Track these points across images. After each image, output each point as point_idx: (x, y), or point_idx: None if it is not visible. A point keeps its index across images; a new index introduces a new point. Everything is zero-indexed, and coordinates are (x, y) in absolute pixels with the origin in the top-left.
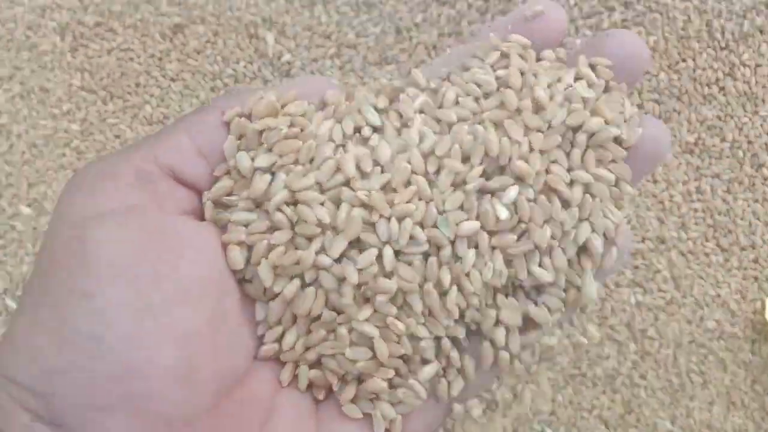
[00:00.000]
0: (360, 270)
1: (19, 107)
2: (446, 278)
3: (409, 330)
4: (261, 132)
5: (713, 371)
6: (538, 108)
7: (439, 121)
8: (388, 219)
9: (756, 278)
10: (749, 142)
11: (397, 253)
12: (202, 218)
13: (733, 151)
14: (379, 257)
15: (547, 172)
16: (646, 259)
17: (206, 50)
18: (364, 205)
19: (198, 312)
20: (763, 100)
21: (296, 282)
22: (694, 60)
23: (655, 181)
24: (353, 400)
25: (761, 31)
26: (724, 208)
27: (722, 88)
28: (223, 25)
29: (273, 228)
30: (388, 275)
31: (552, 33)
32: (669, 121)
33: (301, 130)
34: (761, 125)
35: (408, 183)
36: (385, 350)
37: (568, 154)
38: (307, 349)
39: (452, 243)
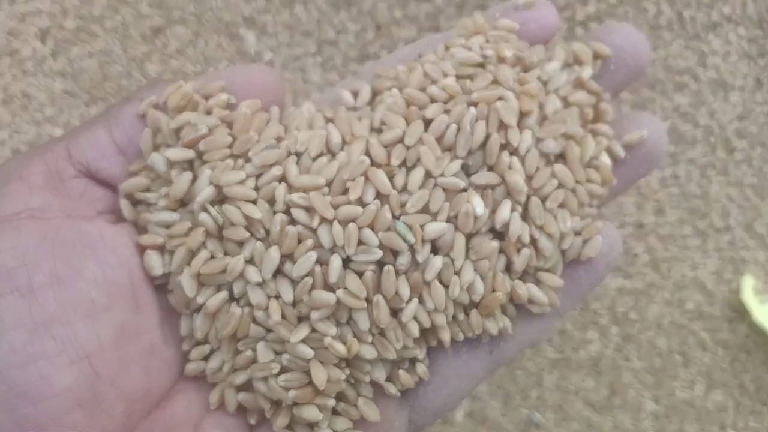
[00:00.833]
0: (295, 282)
1: (1, 113)
2: (404, 291)
3: (353, 352)
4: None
5: (694, 351)
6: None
7: (409, 105)
8: (331, 222)
9: (732, 259)
10: (721, 128)
11: (346, 262)
12: (122, 219)
13: (705, 136)
14: (324, 266)
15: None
16: (626, 243)
17: (187, 51)
18: (304, 207)
19: (103, 325)
20: (733, 87)
21: (222, 294)
22: (665, 49)
23: None
24: (289, 426)
25: (729, 20)
26: (699, 192)
27: (694, 76)
28: (203, 25)
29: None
30: (332, 287)
31: (541, 30)
32: (643, 110)
33: (229, 125)
34: (731, 111)
35: (366, 177)
36: (322, 376)
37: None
38: (236, 370)
39: (413, 249)
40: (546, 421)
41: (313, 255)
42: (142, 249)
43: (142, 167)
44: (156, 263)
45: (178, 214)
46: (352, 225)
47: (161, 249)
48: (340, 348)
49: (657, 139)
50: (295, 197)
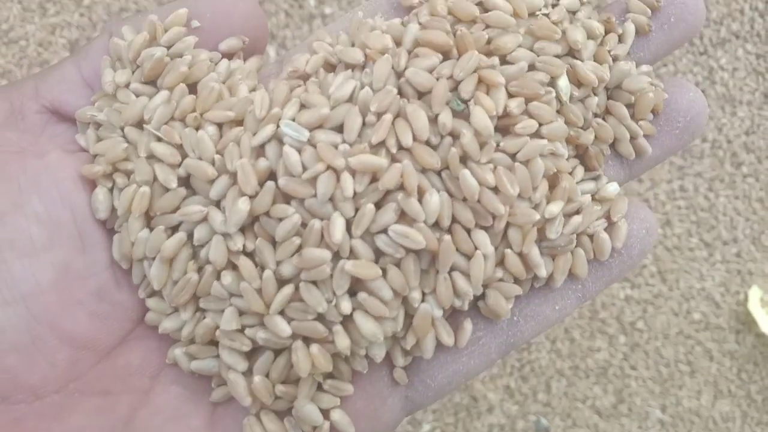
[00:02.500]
0: (278, 243)
1: None
2: (447, 258)
3: (362, 338)
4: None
5: (700, 361)
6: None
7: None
8: (338, 173)
9: (739, 271)
10: (728, 142)
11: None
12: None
13: (713, 150)
14: (326, 222)
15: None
16: None
17: None
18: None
19: (43, 265)
20: (741, 102)
21: (180, 236)
22: (674, 65)
23: (640, 180)
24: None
25: (737, 37)
26: (707, 204)
27: (702, 91)
28: None
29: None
30: (337, 250)
31: None
32: None
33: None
34: (739, 126)
35: (400, 115)
36: (305, 364)
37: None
38: (195, 341)
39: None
40: (554, 428)
41: (294, 217)
42: (90, 183)
43: (102, 94)
44: (102, 205)
45: (123, 139)
46: (364, 177)
47: (111, 185)
48: (342, 344)
49: (699, 109)
50: (288, 130)
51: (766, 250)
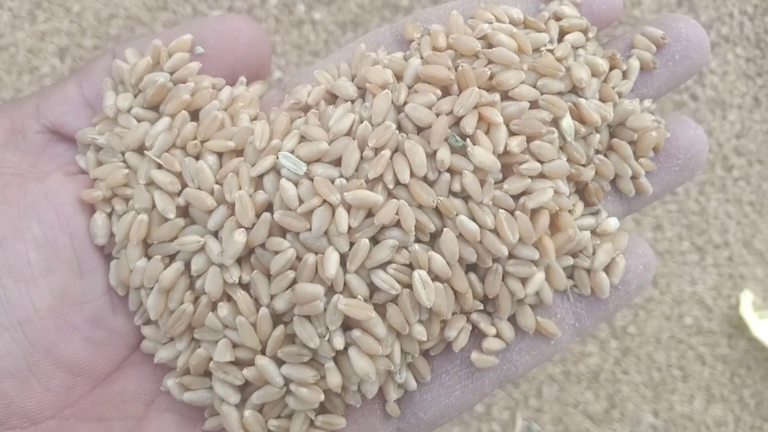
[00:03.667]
0: (272, 276)
1: None
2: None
3: (354, 375)
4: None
5: (693, 365)
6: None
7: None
8: (333, 208)
9: (730, 275)
10: (719, 146)
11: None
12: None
13: None
14: (320, 256)
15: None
16: None
17: None
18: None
19: (40, 290)
20: (731, 106)
21: (177, 266)
22: None
23: None
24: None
25: (727, 41)
26: (698, 208)
27: (693, 95)
28: None
29: (151, 189)
30: (329, 284)
31: (606, 10)
32: None
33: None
34: (730, 129)
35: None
36: (297, 403)
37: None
38: (189, 372)
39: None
40: None
41: (288, 251)
42: (90, 207)
43: (103, 117)
44: (100, 230)
45: (124, 165)
46: (360, 212)
47: (110, 210)
48: (334, 381)
49: (700, 146)
50: (287, 163)
51: (758, 253)
